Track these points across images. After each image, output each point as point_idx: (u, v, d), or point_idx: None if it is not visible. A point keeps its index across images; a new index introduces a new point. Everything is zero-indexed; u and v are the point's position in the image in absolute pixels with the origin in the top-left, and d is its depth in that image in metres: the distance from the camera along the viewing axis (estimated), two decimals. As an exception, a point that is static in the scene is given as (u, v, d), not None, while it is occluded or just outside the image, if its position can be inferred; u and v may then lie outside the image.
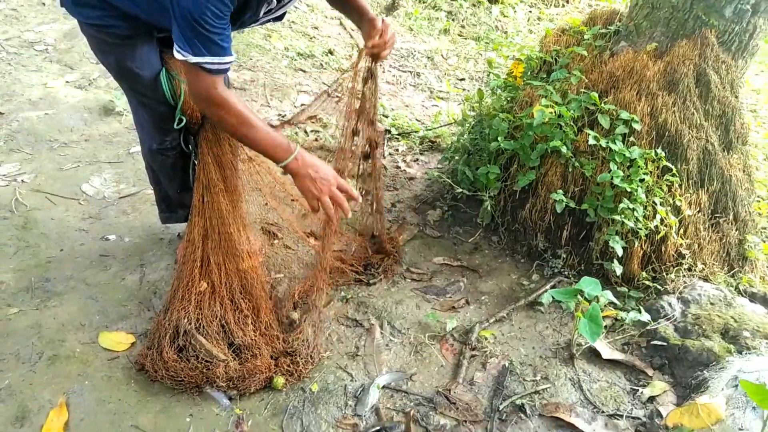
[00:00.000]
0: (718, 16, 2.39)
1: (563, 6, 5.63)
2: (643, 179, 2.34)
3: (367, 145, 2.30)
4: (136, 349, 2.09)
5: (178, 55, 1.62)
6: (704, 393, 1.91)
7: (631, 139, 2.41)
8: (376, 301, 2.39)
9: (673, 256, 2.41)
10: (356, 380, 2.05)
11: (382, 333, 2.25)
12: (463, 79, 4.50)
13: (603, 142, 2.37)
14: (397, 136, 3.58)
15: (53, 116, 3.42)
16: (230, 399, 1.95)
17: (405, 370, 2.11)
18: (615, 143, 2.36)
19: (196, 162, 2.09)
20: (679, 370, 2.10)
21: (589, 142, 2.38)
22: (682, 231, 2.41)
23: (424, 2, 5.41)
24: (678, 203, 2.40)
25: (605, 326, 2.27)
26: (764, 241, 2.65)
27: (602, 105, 2.42)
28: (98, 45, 1.94)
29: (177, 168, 2.25)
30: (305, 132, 3.48)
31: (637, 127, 2.38)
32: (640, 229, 2.32)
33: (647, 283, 2.39)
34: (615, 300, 2.24)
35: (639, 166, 2.33)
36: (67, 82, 3.77)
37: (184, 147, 2.18)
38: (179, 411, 1.90)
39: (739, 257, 2.51)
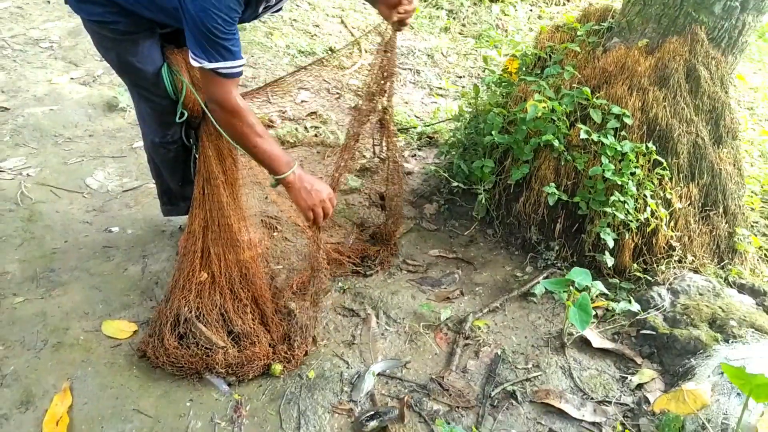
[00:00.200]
0: (707, 13, 2.43)
1: (564, 4, 5.66)
2: (634, 173, 2.39)
3: (382, 112, 2.39)
4: (138, 337, 2.15)
5: (194, 62, 1.71)
6: (691, 380, 1.96)
7: (623, 133, 2.45)
8: (373, 291, 2.44)
9: (664, 248, 2.45)
10: (352, 367, 2.10)
11: (378, 322, 2.30)
12: (462, 77, 4.54)
13: (595, 137, 2.41)
14: (395, 132, 3.62)
15: (58, 112, 3.48)
16: (229, 385, 2.00)
17: (400, 358, 2.16)
18: (607, 137, 2.40)
19: (197, 155, 2.14)
20: (667, 359, 2.14)
21: (582, 137, 2.42)
22: (672, 223, 2.46)
23: (425, 0, 5.45)
24: (669, 196, 2.44)
25: (596, 316, 2.32)
26: (755, 235, 2.69)
27: (594, 100, 2.46)
28: (101, 41, 1.99)
29: (178, 161, 2.30)
30: (305, 128, 3.53)
31: (628, 121, 2.42)
32: (631, 221, 2.36)
33: (638, 274, 2.44)
34: (606, 291, 2.29)
35: (630, 160, 2.37)
36: (71, 78, 3.83)
37: (186, 140, 2.23)
38: (180, 396, 1.96)
39: (728, 249, 2.55)
